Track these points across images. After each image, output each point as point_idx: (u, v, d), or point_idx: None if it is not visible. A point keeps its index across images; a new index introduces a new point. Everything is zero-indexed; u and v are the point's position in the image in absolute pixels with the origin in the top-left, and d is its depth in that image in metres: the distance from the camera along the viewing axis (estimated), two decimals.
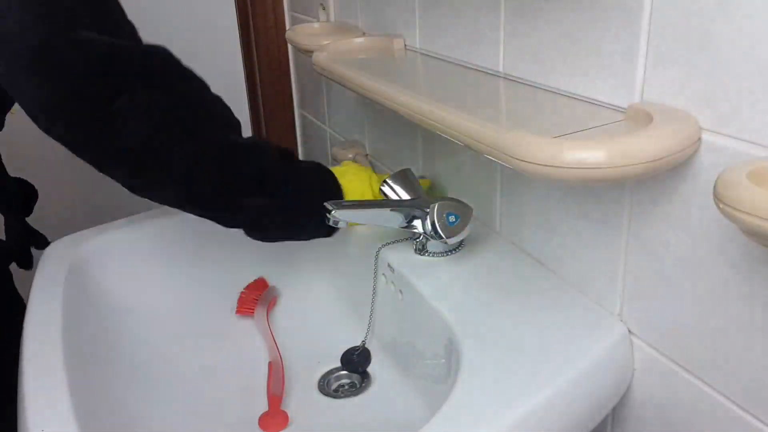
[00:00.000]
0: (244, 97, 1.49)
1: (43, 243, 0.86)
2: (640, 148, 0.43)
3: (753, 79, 0.41)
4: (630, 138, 0.44)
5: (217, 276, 0.83)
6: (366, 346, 0.73)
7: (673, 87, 0.47)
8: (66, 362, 0.57)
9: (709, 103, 0.45)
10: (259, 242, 0.68)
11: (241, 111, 1.48)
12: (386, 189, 0.71)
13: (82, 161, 0.57)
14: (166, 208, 0.65)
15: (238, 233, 0.67)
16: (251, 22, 1.34)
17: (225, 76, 1.48)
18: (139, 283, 0.79)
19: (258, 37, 1.35)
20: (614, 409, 0.60)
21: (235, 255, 0.84)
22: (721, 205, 0.36)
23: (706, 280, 0.49)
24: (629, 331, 0.57)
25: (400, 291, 0.68)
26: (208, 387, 0.72)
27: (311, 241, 0.70)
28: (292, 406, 0.68)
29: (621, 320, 0.58)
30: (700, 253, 0.48)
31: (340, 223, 0.66)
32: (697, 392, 0.52)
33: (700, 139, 0.46)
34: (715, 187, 0.37)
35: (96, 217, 0.94)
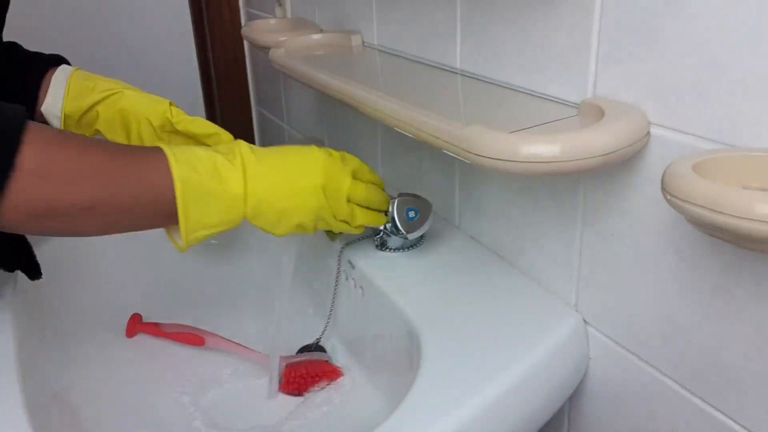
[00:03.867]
0: (200, 95, 1.47)
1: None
2: (593, 142, 0.44)
3: (698, 75, 0.43)
4: (583, 132, 0.45)
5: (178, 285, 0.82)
6: (321, 343, 0.73)
7: (623, 82, 0.48)
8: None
9: (658, 97, 0.46)
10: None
11: (197, 109, 1.46)
12: None
13: None
14: None
15: None
16: (206, 19, 1.32)
17: (180, 73, 1.46)
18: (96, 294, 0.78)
19: (213, 34, 1.33)
20: (571, 397, 0.62)
21: (194, 255, 0.83)
22: (668, 196, 0.38)
23: (655, 270, 0.50)
24: (585, 320, 0.59)
25: (361, 287, 0.68)
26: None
27: (270, 239, 0.70)
28: (254, 405, 0.68)
29: (576, 310, 0.59)
30: (650, 244, 0.50)
31: None
32: (649, 378, 0.53)
33: (649, 133, 0.47)
34: (662, 179, 0.39)
35: None
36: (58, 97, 0.69)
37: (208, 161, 0.52)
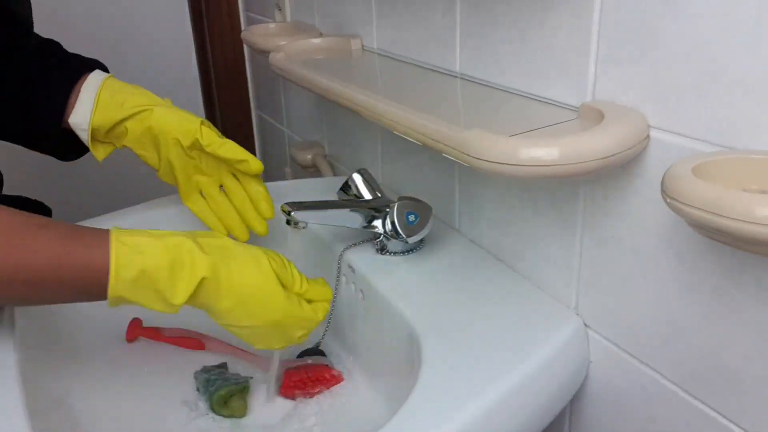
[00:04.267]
0: (200, 99, 1.47)
1: None
2: (592, 146, 0.44)
3: (697, 77, 0.43)
4: (582, 136, 0.45)
5: None
6: (321, 347, 0.73)
7: (622, 85, 0.48)
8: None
9: (657, 100, 0.46)
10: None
11: (197, 113, 1.46)
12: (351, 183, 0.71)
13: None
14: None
15: None
16: (205, 23, 1.32)
17: (180, 77, 1.46)
18: None
19: (213, 38, 1.34)
20: (572, 401, 0.62)
21: None
22: (668, 199, 0.38)
23: (655, 273, 0.50)
24: (585, 324, 0.59)
25: (361, 291, 0.68)
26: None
27: (270, 244, 0.70)
28: (254, 409, 0.68)
29: (577, 314, 0.59)
30: (650, 247, 0.50)
31: (300, 224, 0.65)
32: (650, 381, 0.53)
33: (648, 136, 0.47)
34: (662, 181, 0.39)
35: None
36: (87, 110, 0.66)
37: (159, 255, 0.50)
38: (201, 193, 0.73)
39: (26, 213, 0.50)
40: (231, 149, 0.68)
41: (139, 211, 0.82)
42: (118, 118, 0.67)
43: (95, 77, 0.68)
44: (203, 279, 0.51)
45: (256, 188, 0.71)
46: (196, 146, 0.68)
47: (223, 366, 0.71)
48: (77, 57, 0.71)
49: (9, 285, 0.48)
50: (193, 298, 0.51)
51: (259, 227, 0.72)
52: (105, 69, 0.72)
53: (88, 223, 0.75)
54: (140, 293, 0.50)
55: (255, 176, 0.71)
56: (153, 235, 0.52)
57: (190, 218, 0.79)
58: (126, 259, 0.49)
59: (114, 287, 0.49)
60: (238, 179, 0.72)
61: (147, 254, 0.50)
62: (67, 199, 1.05)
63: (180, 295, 0.51)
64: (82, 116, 0.67)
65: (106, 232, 0.51)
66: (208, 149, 0.67)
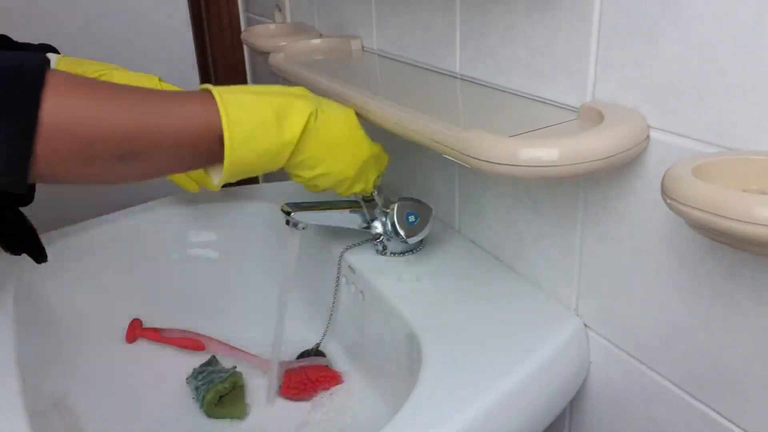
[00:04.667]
0: None
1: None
2: (592, 146, 0.44)
3: (697, 78, 0.43)
4: (582, 136, 0.45)
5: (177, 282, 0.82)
6: (321, 348, 0.73)
7: (622, 86, 0.49)
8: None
9: (657, 101, 0.46)
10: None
11: None
12: None
13: None
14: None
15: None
16: (205, 24, 1.32)
17: (180, 78, 1.45)
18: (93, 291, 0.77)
19: (213, 39, 1.33)
20: (572, 401, 0.62)
21: (190, 258, 0.83)
22: (668, 200, 0.38)
23: (655, 274, 0.50)
24: (585, 324, 0.59)
25: (362, 292, 0.68)
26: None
27: (270, 245, 0.70)
28: (254, 410, 0.68)
29: (577, 314, 0.59)
30: (650, 248, 0.50)
31: (300, 224, 0.65)
32: (650, 381, 0.53)
33: (648, 136, 0.47)
34: (662, 182, 0.39)
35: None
36: None
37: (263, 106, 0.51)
38: None
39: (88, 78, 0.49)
40: None
41: (137, 212, 0.82)
42: None
43: (51, 56, 0.72)
44: (310, 114, 0.54)
45: None
46: None
47: (210, 362, 0.71)
48: (30, 44, 0.74)
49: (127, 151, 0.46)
50: (304, 134, 0.54)
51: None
52: (57, 51, 0.75)
53: (83, 224, 0.75)
54: (253, 144, 0.51)
55: None
56: (253, 92, 0.53)
57: (188, 219, 0.79)
58: (236, 116, 0.50)
59: (230, 150, 0.49)
60: None
61: (252, 109, 0.51)
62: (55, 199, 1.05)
63: (293, 130, 0.53)
64: None
65: (205, 91, 0.51)
66: None
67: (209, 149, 0.50)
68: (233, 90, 0.51)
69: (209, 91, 0.51)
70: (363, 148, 0.59)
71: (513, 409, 0.52)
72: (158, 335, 0.76)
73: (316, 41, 0.84)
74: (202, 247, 0.84)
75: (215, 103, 0.49)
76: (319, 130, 0.55)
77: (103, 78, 0.71)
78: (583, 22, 0.50)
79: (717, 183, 0.37)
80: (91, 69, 0.71)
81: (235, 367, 0.69)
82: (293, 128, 0.53)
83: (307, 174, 0.57)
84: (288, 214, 0.64)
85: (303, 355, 0.73)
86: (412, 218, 0.67)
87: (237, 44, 1.33)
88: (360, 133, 0.59)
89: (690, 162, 0.39)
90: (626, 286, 0.53)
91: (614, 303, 0.55)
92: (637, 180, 0.49)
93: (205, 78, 1.42)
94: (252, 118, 0.51)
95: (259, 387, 0.70)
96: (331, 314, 0.74)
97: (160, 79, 0.72)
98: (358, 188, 0.62)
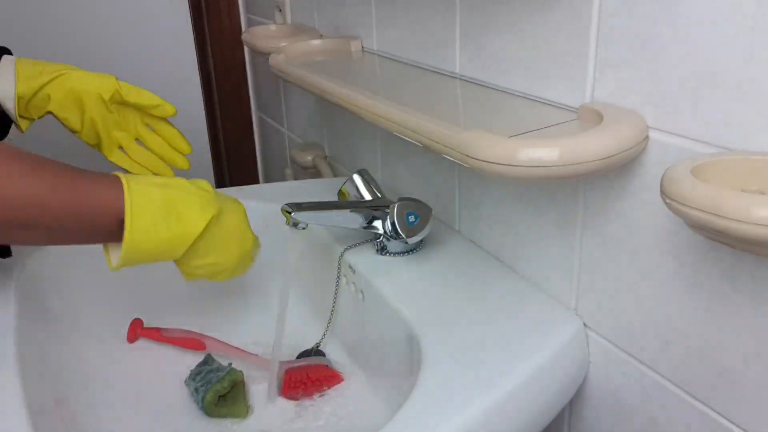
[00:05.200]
0: (200, 101, 1.47)
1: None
2: (592, 147, 0.44)
3: (696, 79, 0.43)
4: (581, 137, 0.45)
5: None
6: (321, 347, 0.73)
7: (621, 87, 0.49)
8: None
9: (656, 101, 0.46)
10: None
11: (198, 114, 1.46)
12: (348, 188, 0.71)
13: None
14: None
15: None
16: (206, 25, 1.33)
17: (180, 79, 1.46)
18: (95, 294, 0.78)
19: (213, 40, 1.34)
20: (571, 401, 0.62)
21: None
22: (667, 200, 0.38)
23: (654, 273, 0.50)
24: (585, 324, 0.59)
25: (362, 292, 0.69)
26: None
27: (270, 245, 0.70)
28: (255, 409, 0.68)
29: (577, 314, 0.59)
30: (649, 248, 0.50)
31: (300, 224, 0.66)
32: (649, 382, 0.53)
33: (647, 137, 0.47)
34: (661, 182, 0.39)
35: None
36: (10, 81, 0.71)
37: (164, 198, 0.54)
38: (120, 148, 0.80)
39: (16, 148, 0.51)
40: (148, 96, 0.76)
41: None
42: (39, 83, 0.72)
43: (7, 58, 0.73)
44: (213, 213, 0.56)
45: (170, 131, 0.79)
46: (116, 99, 0.75)
47: (206, 361, 0.71)
48: None
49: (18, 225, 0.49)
50: (205, 228, 0.56)
51: (181, 162, 0.81)
52: (9, 53, 0.76)
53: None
54: (153, 234, 0.54)
55: (167, 121, 0.79)
56: (161, 185, 0.55)
57: None
58: (139, 207, 0.52)
59: (129, 234, 0.52)
60: (152, 129, 0.80)
61: (156, 202, 0.53)
62: None
63: (196, 225, 0.55)
64: (6, 88, 0.71)
65: (116, 177, 0.53)
66: (128, 98, 0.75)
67: (106, 230, 0.53)
68: (142, 182, 0.54)
69: (119, 179, 0.53)
70: (248, 240, 0.62)
71: (513, 408, 0.52)
72: (159, 335, 0.76)
73: (317, 42, 0.84)
74: None
75: (123, 191, 0.52)
76: (220, 225, 0.58)
77: (61, 78, 0.73)
78: (583, 23, 0.50)
79: (716, 183, 0.37)
80: (50, 69, 0.73)
81: (231, 363, 0.69)
82: (196, 223, 0.55)
83: (196, 261, 0.58)
84: (288, 214, 0.65)
85: (303, 354, 0.73)
86: (412, 218, 0.67)
87: (237, 45, 1.33)
88: (248, 226, 0.62)
89: (689, 162, 0.39)
90: (626, 286, 0.53)
91: (614, 303, 0.55)
92: (637, 180, 0.50)
93: (206, 78, 1.42)
94: (155, 210, 0.53)
95: (259, 387, 0.70)
96: (331, 314, 0.74)
97: (116, 79, 0.74)
98: (229, 276, 0.64)
